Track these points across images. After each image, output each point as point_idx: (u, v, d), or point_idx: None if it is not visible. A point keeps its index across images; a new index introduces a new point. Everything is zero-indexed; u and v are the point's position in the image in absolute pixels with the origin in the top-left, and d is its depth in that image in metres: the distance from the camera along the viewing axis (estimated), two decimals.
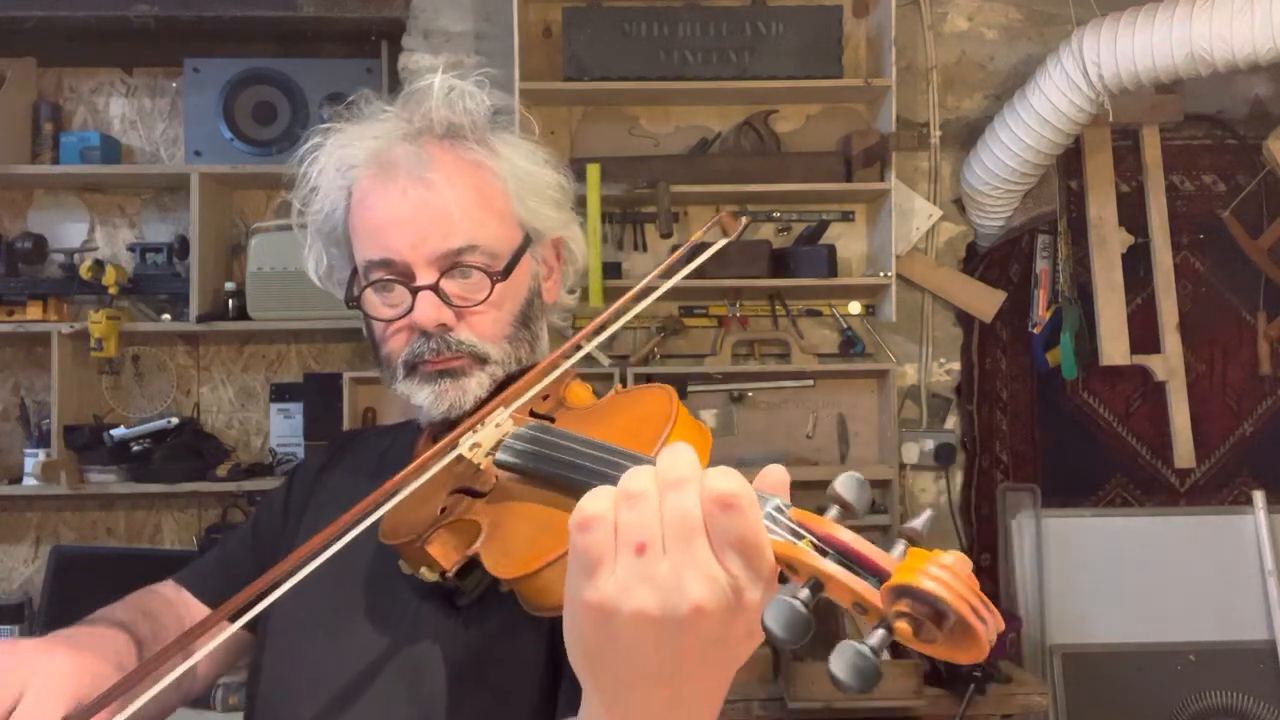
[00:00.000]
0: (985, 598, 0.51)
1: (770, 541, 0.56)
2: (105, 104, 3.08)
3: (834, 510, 0.57)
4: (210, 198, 2.88)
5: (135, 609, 1.08)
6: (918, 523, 0.54)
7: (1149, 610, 2.92)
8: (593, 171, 2.74)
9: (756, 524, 0.55)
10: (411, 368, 1.02)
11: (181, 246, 2.88)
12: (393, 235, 1.00)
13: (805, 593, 0.53)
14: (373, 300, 1.03)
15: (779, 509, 0.57)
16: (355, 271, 1.05)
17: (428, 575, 0.90)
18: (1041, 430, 3.07)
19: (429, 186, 1.00)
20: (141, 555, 2.96)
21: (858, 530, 0.56)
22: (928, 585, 0.50)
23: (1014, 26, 3.10)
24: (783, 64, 2.81)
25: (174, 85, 3.06)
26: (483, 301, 1.01)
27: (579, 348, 0.95)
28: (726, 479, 0.56)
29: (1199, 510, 3.02)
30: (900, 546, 0.54)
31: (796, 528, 0.56)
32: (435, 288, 0.99)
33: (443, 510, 0.88)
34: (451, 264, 1.00)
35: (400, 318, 1.01)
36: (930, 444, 3.00)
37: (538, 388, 0.91)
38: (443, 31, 3.01)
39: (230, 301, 2.84)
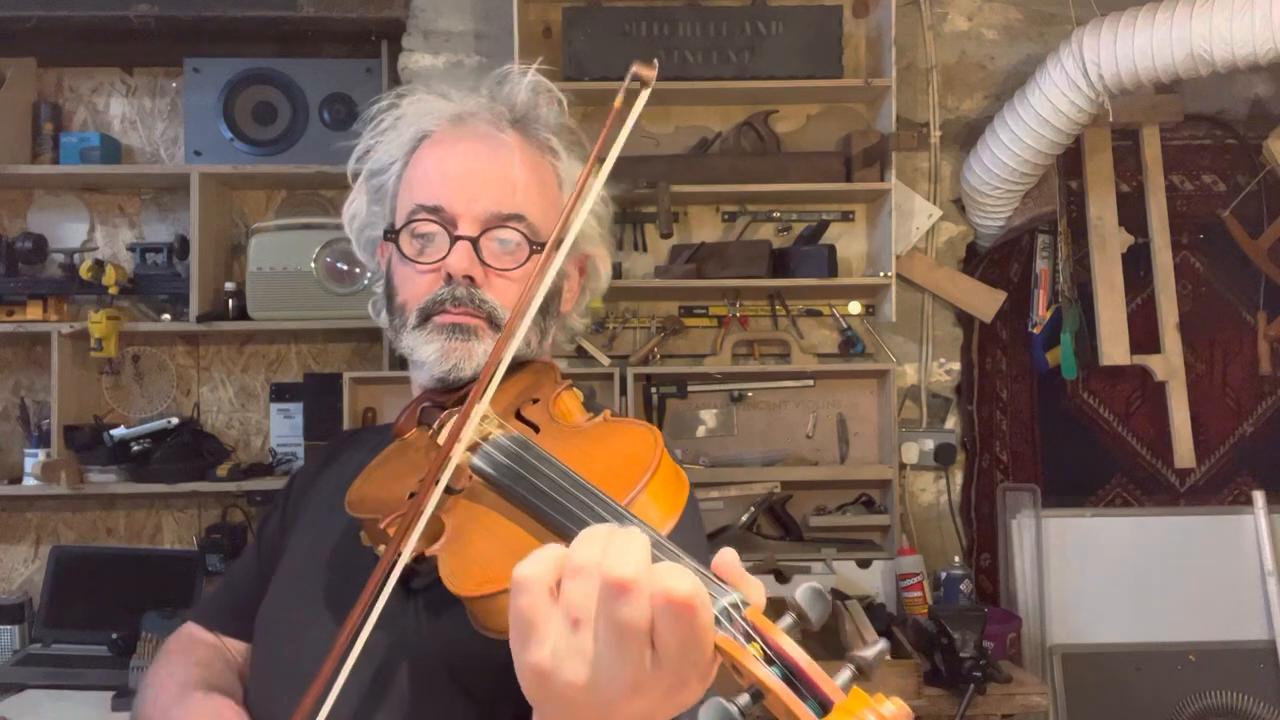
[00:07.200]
0: None
1: (717, 640, 0.56)
2: (105, 104, 3.08)
3: (788, 619, 0.56)
4: (210, 198, 2.88)
5: (191, 665, 1.10)
6: (869, 653, 0.54)
7: (1149, 610, 2.92)
8: None
9: (705, 629, 0.55)
10: (426, 317, 1.04)
11: (181, 246, 2.88)
12: (451, 186, 1.04)
13: (745, 699, 0.53)
14: (408, 239, 1.06)
15: (736, 605, 0.57)
16: (388, 231, 1.09)
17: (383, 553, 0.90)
18: (1041, 430, 3.07)
19: (496, 153, 1.06)
20: (141, 555, 2.96)
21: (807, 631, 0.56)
22: None
23: (1014, 26, 3.10)
24: (783, 64, 2.81)
25: (174, 85, 3.06)
26: (515, 268, 1.04)
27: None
28: (681, 580, 0.55)
29: (1199, 510, 3.02)
30: (846, 674, 0.54)
31: (750, 630, 0.56)
32: (475, 241, 1.03)
33: (411, 495, 0.88)
34: (497, 225, 1.04)
35: (432, 261, 1.04)
36: (930, 444, 3.00)
37: (509, 356, 0.87)
38: (443, 31, 3.01)
39: (230, 301, 2.84)
